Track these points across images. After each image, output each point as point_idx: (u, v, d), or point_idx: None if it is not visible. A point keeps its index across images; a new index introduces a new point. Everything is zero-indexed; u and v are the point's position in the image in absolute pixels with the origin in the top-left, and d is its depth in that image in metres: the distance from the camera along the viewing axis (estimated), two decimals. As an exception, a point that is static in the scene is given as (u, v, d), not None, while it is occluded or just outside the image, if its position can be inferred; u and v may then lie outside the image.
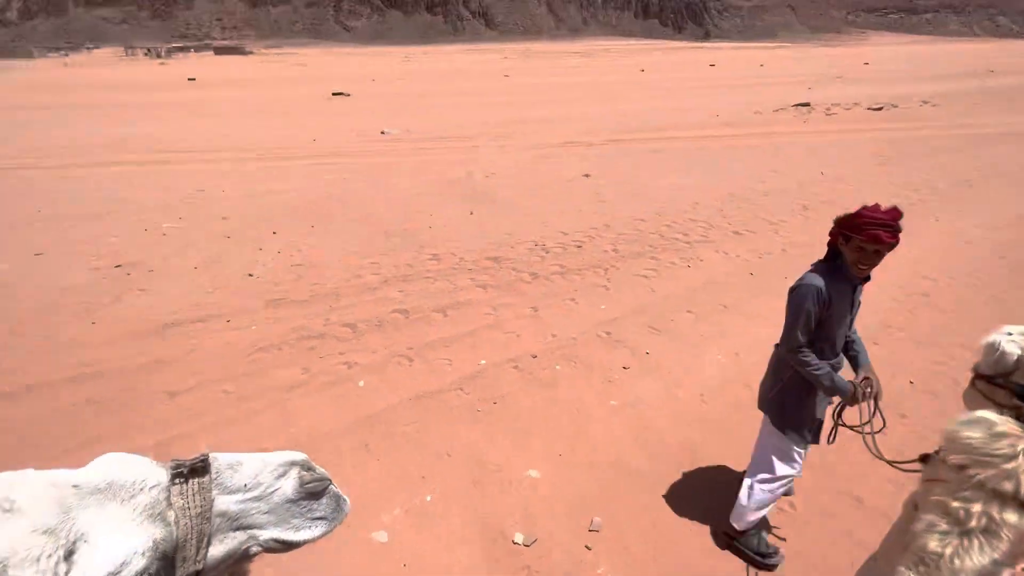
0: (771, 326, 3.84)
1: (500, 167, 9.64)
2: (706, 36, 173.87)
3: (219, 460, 0.84)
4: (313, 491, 0.89)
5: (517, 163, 9.96)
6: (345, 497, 0.96)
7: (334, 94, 24.65)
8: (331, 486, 0.93)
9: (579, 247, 5.90)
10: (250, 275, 5.32)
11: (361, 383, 3.65)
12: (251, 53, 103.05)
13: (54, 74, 48.05)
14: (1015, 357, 1.52)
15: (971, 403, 1.63)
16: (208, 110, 20.21)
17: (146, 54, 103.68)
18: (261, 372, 3.78)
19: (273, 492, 0.86)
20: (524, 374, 3.72)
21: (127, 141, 12.81)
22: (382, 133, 13.46)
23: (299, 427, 3.27)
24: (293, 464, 0.89)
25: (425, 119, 16.20)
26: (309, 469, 0.90)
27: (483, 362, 3.86)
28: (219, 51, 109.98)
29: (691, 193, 7.81)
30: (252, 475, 0.85)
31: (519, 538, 2.51)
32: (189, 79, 36.85)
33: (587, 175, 8.88)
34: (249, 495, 0.84)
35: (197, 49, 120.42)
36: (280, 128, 15.16)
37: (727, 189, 7.99)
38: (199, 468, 0.81)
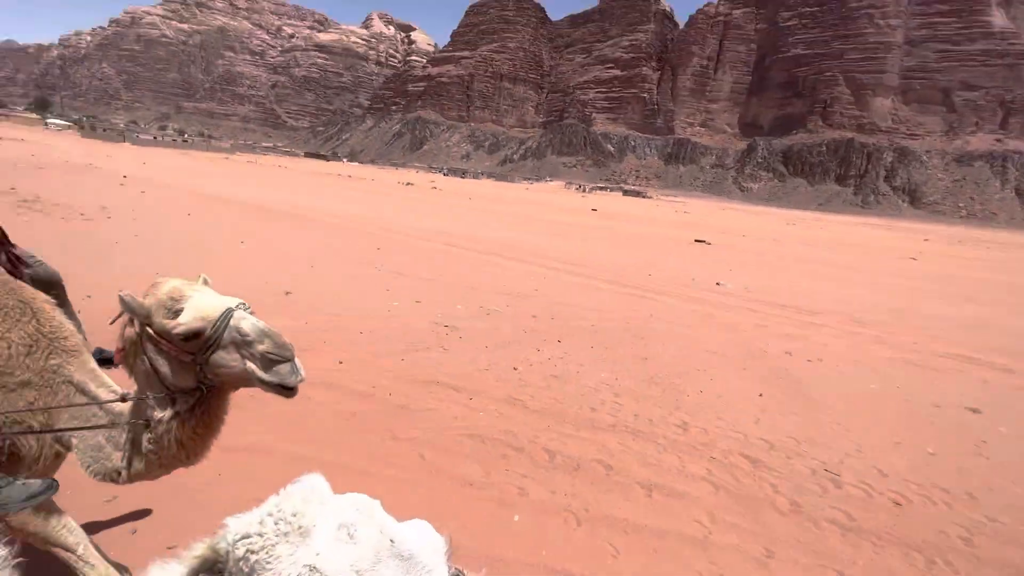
0: None
1: (832, 356, 7.74)
2: None
3: None
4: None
5: (858, 360, 7.77)
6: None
7: (696, 240, 25.83)
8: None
9: (897, 507, 3.95)
10: (515, 368, 5.90)
11: (516, 517, 3.38)
12: (648, 197, 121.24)
13: (521, 193, 69.22)
14: None
15: None
16: (574, 232, 24.54)
17: (577, 188, 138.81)
18: (453, 455, 4.02)
19: None
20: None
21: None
22: (717, 284, 13.10)
23: (441, 520, 3.26)
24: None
25: (772, 281, 14.88)
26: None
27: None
28: (626, 192, 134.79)
29: None
30: None
31: None
32: (592, 209, 46.11)
33: (976, 410, 6.06)
34: None
35: (611, 190, 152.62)
36: (624, 256, 16.89)
37: None
38: None
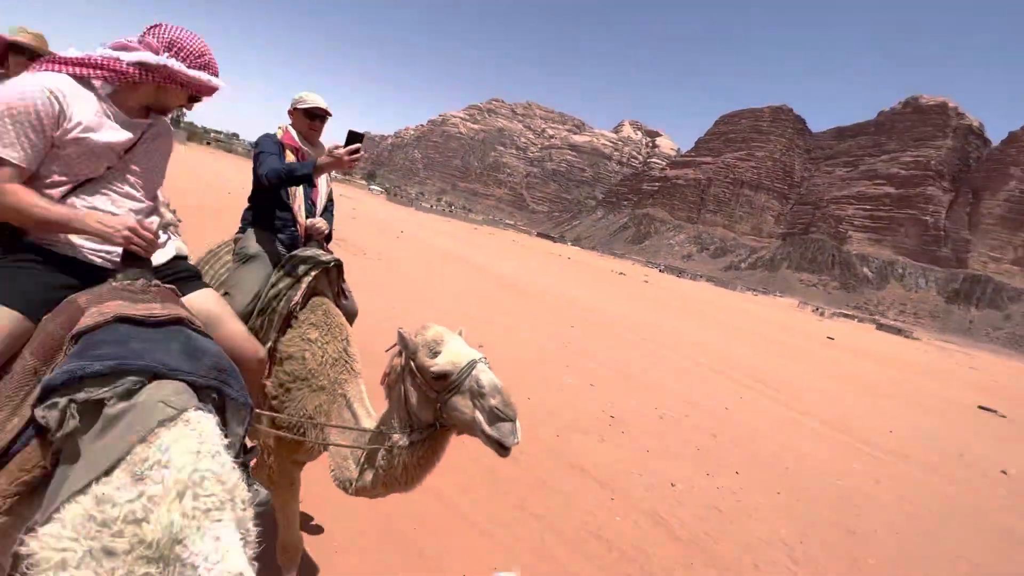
0: None
1: None
2: None
3: None
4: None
5: None
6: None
7: (981, 408, 19.54)
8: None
9: None
10: (672, 484, 5.27)
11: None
12: (915, 338, 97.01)
13: (742, 303, 63.76)
14: None
15: None
16: (795, 353, 20.87)
17: (814, 310, 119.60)
18: (573, 550, 3.74)
19: None
20: None
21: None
22: (1002, 473, 9.51)
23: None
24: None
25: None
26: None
27: None
28: (881, 327, 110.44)
29: None
30: None
31: None
32: (829, 337, 39.26)
33: None
34: None
35: (860, 320, 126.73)
36: (854, 400, 13.64)
37: None
38: None
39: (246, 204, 2.60)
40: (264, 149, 2.48)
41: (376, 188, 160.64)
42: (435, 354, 1.84)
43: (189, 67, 1.54)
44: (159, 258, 1.65)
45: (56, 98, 1.39)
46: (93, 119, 1.46)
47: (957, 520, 6.48)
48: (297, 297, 2.29)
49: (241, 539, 1.06)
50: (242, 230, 2.59)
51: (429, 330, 1.91)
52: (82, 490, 1.03)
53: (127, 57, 1.47)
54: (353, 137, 2.19)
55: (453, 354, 1.82)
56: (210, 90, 1.61)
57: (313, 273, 2.37)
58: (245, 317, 2.21)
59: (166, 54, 1.51)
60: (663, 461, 5.83)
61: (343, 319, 2.38)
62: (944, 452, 10.12)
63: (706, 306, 38.32)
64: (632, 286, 41.17)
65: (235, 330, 1.74)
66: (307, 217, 2.61)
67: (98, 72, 1.47)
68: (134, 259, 1.48)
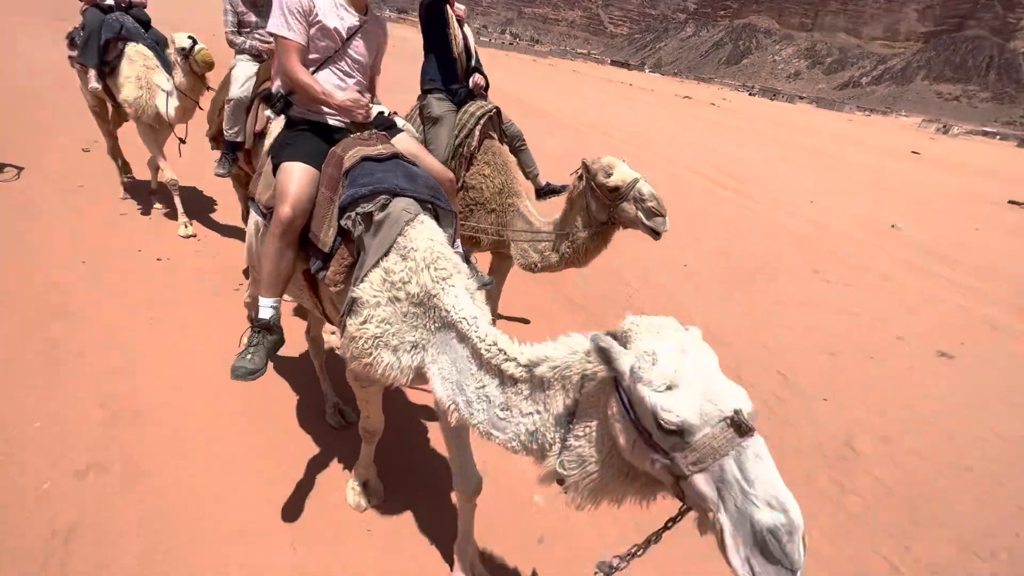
0: None
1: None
2: None
3: None
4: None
5: None
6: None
7: (1011, 202, 16.46)
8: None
9: None
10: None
11: None
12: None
13: (838, 124, 54.43)
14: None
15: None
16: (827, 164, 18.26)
17: (938, 128, 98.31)
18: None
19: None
20: None
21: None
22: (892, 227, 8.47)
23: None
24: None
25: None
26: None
27: None
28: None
29: None
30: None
31: None
32: (913, 152, 33.46)
33: None
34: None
35: (1002, 137, 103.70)
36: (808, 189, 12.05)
37: None
38: None
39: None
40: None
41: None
42: (608, 175, 2.62)
43: None
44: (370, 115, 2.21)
45: None
46: (328, 9, 2.03)
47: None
48: (474, 143, 3.15)
49: (468, 294, 1.65)
50: (423, 96, 3.34)
51: (604, 158, 2.68)
52: (375, 264, 1.72)
53: None
54: None
55: (623, 174, 2.62)
56: None
57: (482, 121, 3.19)
58: (445, 163, 3.04)
59: None
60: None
61: (508, 155, 3.26)
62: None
63: (774, 127, 33.39)
64: (685, 108, 36.46)
65: (431, 161, 2.37)
66: (468, 64, 3.35)
67: None
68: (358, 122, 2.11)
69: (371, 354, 1.71)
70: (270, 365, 1.98)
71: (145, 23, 4.89)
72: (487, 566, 2.20)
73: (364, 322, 1.71)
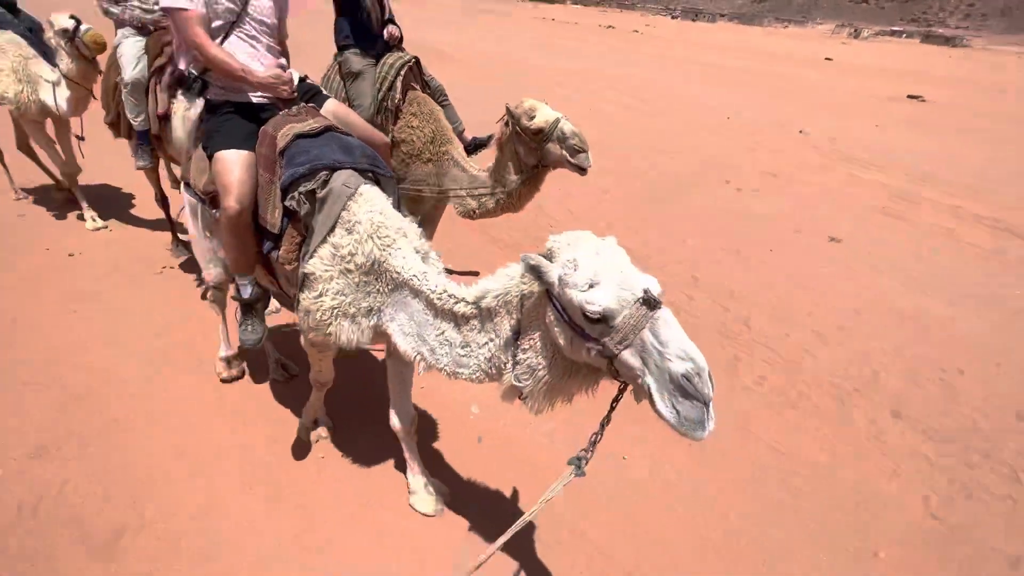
0: None
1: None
2: None
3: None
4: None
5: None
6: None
7: (910, 96, 17.80)
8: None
9: None
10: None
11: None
12: (965, 46, 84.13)
13: (761, 41, 55.26)
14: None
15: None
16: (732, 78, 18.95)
17: (849, 33, 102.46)
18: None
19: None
20: None
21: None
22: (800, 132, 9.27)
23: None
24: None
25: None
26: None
27: None
28: (928, 39, 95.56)
29: None
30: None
31: None
32: (826, 59, 34.64)
33: None
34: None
35: (908, 36, 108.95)
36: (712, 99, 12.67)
37: None
38: None
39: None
40: None
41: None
42: (531, 118, 2.68)
43: None
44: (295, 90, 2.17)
45: None
46: None
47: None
48: (397, 96, 3.16)
49: (418, 254, 1.75)
50: (340, 52, 3.31)
51: (526, 102, 2.74)
52: (323, 240, 1.77)
53: None
54: None
55: (545, 115, 2.68)
56: None
57: (402, 72, 3.21)
58: (371, 119, 3.09)
59: None
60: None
61: (433, 104, 3.27)
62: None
63: (695, 49, 33.64)
64: (608, 38, 36.00)
65: (363, 126, 2.37)
66: (382, 16, 3.33)
67: None
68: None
69: (330, 323, 1.80)
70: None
71: (10, 6, 4.40)
72: (432, 468, 2.53)
73: (319, 296, 1.79)
